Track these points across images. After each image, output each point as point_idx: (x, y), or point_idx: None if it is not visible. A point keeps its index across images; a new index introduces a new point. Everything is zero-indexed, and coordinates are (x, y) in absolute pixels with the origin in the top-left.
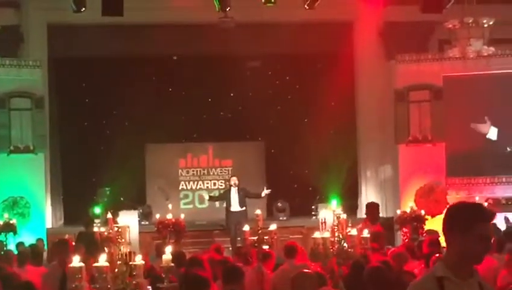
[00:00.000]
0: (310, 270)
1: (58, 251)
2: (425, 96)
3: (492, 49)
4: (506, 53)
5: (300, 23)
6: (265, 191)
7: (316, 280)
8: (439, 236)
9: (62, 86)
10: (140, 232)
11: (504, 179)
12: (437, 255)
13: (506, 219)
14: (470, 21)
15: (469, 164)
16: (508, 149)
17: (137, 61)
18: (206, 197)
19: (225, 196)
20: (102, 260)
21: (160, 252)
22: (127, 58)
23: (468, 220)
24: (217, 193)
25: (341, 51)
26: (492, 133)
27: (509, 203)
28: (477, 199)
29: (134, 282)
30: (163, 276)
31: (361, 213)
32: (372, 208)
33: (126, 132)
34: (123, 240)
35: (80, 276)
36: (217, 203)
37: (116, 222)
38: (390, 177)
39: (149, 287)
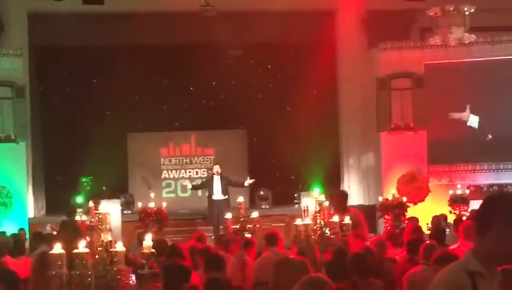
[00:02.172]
0: (292, 257)
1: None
2: (407, 84)
3: (473, 36)
4: (487, 40)
5: (283, 12)
6: (249, 181)
7: (298, 266)
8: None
9: (43, 75)
10: (122, 221)
11: (485, 166)
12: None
13: None
14: (451, 9)
15: (451, 152)
16: (489, 136)
17: (118, 50)
18: (189, 186)
19: (208, 185)
20: (82, 247)
21: (141, 241)
22: (108, 47)
23: None
24: (199, 182)
25: (323, 39)
26: (473, 121)
27: (491, 190)
28: (458, 186)
29: (115, 269)
30: (144, 262)
31: None
32: (340, 197)
33: (108, 121)
34: (104, 227)
35: (60, 263)
36: (200, 192)
37: (97, 210)
38: (372, 165)
39: (132, 275)
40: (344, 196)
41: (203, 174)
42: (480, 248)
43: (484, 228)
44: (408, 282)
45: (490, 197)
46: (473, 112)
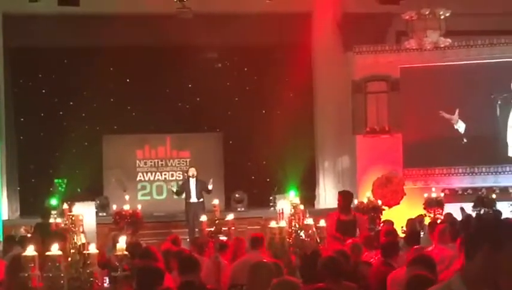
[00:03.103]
0: (266, 260)
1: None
2: (382, 88)
3: (448, 40)
4: (463, 44)
5: (259, 14)
6: (211, 185)
7: (272, 269)
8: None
9: (18, 76)
10: (97, 224)
11: (460, 170)
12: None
13: (462, 209)
14: (427, 12)
15: (426, 155)
16: (464, 140)
17: (94, 52)
18: (174, 189)
19: (184, 188)
20: (55, 249)
21: (116, 244)
22: (84, 49)
23: (504, 237)
24: (175, 186)
25: (299, 42)
26: (460, 126)
27: (465, 193)
28: (433, 189)
29: (88, 271)
30: (118, 264)
31: (319, 204)
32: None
33: (83, 123)
34: (77, 229)
35: (32, 265)
36: (175, 195)
37: (71, 212)
38: (347, 168)
39: (106, 278)
40: (349, 196)
41: (179, 177)
42: (468, 271)
43: (473, 251)
44: (391, 284)
45: (479, 221)
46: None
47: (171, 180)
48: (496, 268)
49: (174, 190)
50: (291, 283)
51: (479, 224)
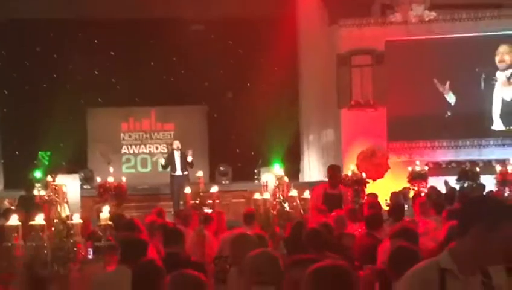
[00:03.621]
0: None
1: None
2: (367, 61)
3: (433, 14)
4: (448, 18)
5: None
6: (190, 157)
7: (255, 241)
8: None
9: (1, 49)
10: (82, 197)
11: (444, 143)
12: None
13: (446, 182)
14: None
15: (410, 129)
16: (448, 114)
17: (78, 24)
18: (162, 162)
19: (170, 160)
20: (39, 219)
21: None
22: (68, 21)
23: (498, 217)
24: (162, 160)
25: (284, 15)
26: (451, 98)
27: (449, 166)
28: (417, 163)
29: (71, 241)
30: (101, 234)
31: (303, 177)
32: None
33: (67, 95)
34: (60, 199)
35: (16, 235)
36: (160, 168)
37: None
38: (332, 141)
39: (90, 249)
40: (336, 169)
41: (163, 149)
42: (459, 248)
43: (464, 229)
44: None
45: (471, 200)
46: (432, 89)
47: (156, 153)
48: (487, 247)
49: (163, 163)
50: (267, 254)
51: (473, 202)
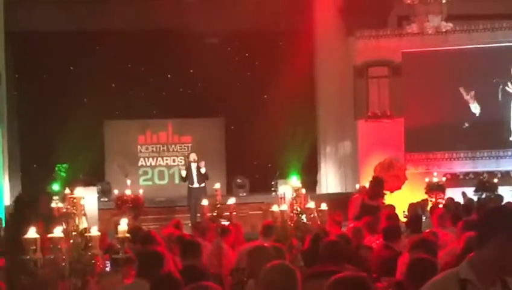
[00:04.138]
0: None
1: None
2: (384, 72)
3: (450, 25)
4: (464, 29)
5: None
6: (203, 169)
7: (272, 253)
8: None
9: (19, 61)
10: (99, 209)
11: (462, 154)
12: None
13: (464, 194)
14: None
15: (427, 140)
16: (466, 125)
17: (95, 36)
18: (183, 174)
19: (187, 173)
20: (58, 232)
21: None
22: (86, 34)
23: None
24: (183, 172)
25: (301, 27)
26: (476, 108)
27: (467, 178)
28: (435, 174)
29: (89, 253)
30: (119, 247)
31: (321, 189)
32: (376, 182)
33: (85, 108)
34: (78, 211)
35: (34, 247)
36: (176, 180)
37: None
38: (349, 153)
39: (108, 262)
40: (378, 181)
41: (180, 162)
42: (478, 258)
43: (484, 239)
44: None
45: (491, 210)
46: (449, 100)
47: (173, 166)
48: (507, 257)
49: (184, 175)
50: (283, 267)
51: (493, 212)
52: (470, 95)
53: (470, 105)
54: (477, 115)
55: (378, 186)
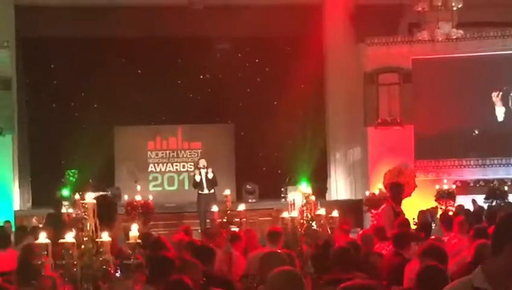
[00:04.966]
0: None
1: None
2: (394, 79)
3: (460, 32)
4: (475, 36)
5: (270, 5)
6: (210, 174)
7: (284, 259)
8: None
9: (30, 67)
10: None
11: (472, 162)
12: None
13: (474, 201)
14: (439, 4)
15: (437, 147)
16: (476, 132)
17: (106, 42)
18: (198, 179)
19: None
20: (69, 237)
21: (128, 234)
22: (96, 40)
23: None
24: (197, 176)
25: (311, 33)
26: (500, 112)
27: (477, 185)
28: (445, 181)
29: (101, 259)
30: (130, 253)
31: (330, 196)
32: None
33: (95, 114)
34: (90, 217)
35: (45, 253)
36: (186, 186)
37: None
38: (359, 160)
39: (118, 266)
40: (400, 187)
41: (190, 168)
42: (492, 266)
43: (499, 247)
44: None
45: (505, 218)
46: (459, 107)
47: (183, 172)
48: None
49: (198, 180)
50: (291, 273)
51: (507, 220)
52: (497, 97)
53: (496, 107)
54: (500, 120)
55: (401, 192)
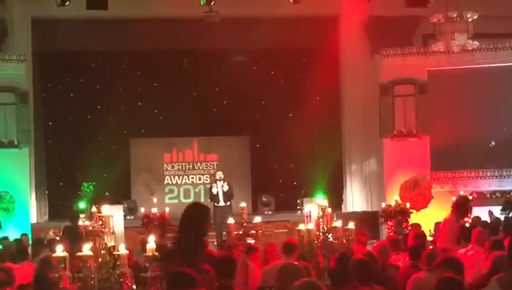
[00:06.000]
0: (295, 263)
1: None
2: (410, 91)
3: (476, 43)
4: (490, 47)
5: (286, 18)
6: (225, 187)
7: (301, 271)
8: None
9: (46, 80)
10: (125, 227)
11: (488, 173)
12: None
13: (490, 213)
14: (454, 15)
15: (454, 158)
16: (492, 143)
17: (122, 55)
18: (214, 192)
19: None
20: (86, 250)
21: (145, 246)
22: (112, 53)
23: None
24: (214, 189)
25: (326, 45)
26: None
27: (494, 196)
28: (461, 193)
29: (118, 272)
30: (147, 265)
31: (346, 207)
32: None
33: (111, 126)
34: (107, 230)
35: (63, 266)
36: (202, 198)
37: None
38: (375, 171)
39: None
40: (466, 200)
41: (206, 180)
42: (508, 278)
43: None
44: (412, 287)
45: None
46: (475, 118)
47: (199, 184)
48: None
49: (215, 192)
50: (313, 284)
51: None
52: None
53: None
54: None
55: (469, 208)
